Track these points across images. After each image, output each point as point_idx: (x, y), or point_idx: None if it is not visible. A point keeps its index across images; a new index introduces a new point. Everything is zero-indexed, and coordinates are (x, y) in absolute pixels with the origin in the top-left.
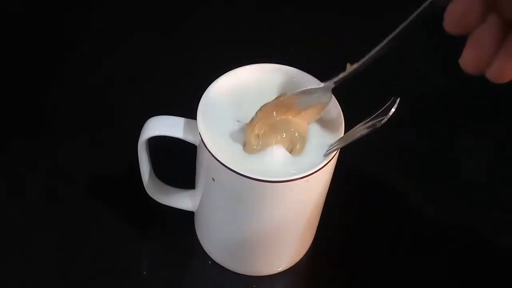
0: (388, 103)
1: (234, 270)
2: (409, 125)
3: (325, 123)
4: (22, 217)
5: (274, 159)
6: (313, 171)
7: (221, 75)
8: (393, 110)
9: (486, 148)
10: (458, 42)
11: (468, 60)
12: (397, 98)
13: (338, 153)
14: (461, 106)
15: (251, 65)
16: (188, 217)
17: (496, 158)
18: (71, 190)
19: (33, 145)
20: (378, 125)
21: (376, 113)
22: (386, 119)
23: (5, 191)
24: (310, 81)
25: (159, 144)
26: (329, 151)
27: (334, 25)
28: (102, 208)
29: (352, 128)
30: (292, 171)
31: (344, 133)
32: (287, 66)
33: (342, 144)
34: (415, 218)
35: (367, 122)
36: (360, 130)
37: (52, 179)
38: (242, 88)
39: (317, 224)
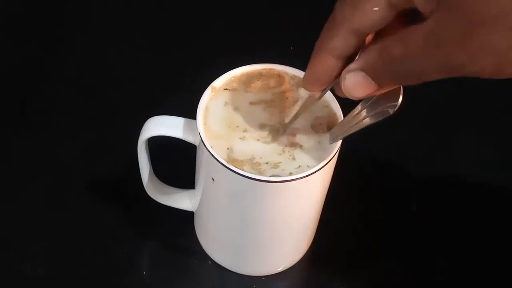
0: None
1: (234, 270)
2: (409, 124)
3: (322, 117)
4: (22, 217)
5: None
6: (313, 171)
7: (221, 75)
8: (401, 92)
9: (486, 148)
10: None
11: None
12: None
13: (338, 152)
14: (461, 105)
15: (251, 65)
16: (188, 217)
17: (496, 158)
18: (71, 190)
19: (33, 145)
20: (392, 111)
21: (377, 96)
22: (398, 105)
23: (5, 191)
24: None
25: (159, 144)
26: (335, 139)
27: None
28: (102, 208)
29: (348, 114)
30: (292, 171)
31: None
32: (287, 66)
33: (349, 133)
34: (415, 218)
35: (368, 106)
36: (366, 117)
37: (52, 179)
38: (242, 88)
39: (317, 224)
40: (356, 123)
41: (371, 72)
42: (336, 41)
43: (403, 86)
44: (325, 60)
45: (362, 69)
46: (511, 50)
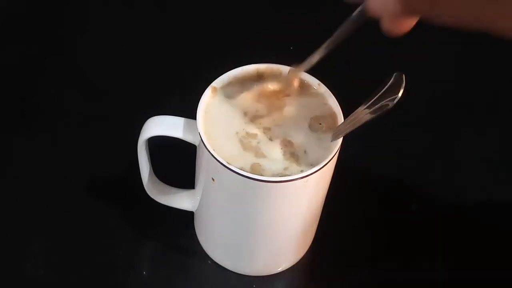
0: (391, 80)
1: (234, 270)
2: (409, 124)
3: (321, 117)
4: (22, 217)
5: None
6: (313, 171)
7: (221, 75)
8: (403, 86)
9: (486, 148)
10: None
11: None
12: (401, 74)
13: (338, 152)
14: (461, 105)
15: (251, 65)
16: (188, 217)
17: (496, 158)
18: (71, 190)
19: (33, 145)
20: (391, 104)
21: (380, 93)
22: (398, 98)
23: (5, 191)
24: (310, 81)
25: (159, 144)
26: (336, 136)
27: (334, 25)
28: (102, 208)
29: (353, 112)
30: (292, 171)
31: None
32: (287, 66)
33: (350, 129)
34: (415, 218)
35: (370, 104)
36: (366, 112)
37: (52, 179)
38: (242, 88)
39: (317, 224)
40: (357, 119)
41: None
42: None
43: (405, 81)
44: None
45: None
46: None
